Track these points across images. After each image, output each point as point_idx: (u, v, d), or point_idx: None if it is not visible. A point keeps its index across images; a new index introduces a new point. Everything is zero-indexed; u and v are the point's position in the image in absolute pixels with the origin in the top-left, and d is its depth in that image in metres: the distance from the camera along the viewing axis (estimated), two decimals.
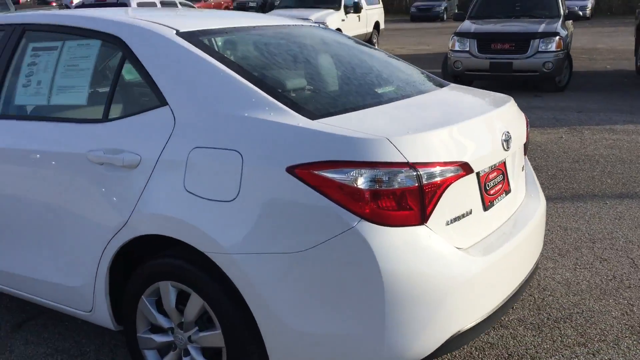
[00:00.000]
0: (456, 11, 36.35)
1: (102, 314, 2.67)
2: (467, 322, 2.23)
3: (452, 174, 2.17)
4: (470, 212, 2.34)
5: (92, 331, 3.19)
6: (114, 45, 2.68)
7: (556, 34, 10.11)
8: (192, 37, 2.61)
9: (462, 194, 2.29)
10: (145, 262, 2.50)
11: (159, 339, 2.54)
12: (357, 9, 16.49)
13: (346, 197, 2.05)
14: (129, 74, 2.68)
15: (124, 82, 2.70)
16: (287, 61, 2.77)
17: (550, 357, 2.90)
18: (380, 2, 19.50)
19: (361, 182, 2.05)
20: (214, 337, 2.35)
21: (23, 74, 2.90)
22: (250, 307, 2.21)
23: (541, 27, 10.24)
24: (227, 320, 2.29)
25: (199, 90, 2.38)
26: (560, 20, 10.77)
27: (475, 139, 2.36)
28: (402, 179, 2.07)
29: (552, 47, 10.11)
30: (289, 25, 3.19)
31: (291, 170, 2.10)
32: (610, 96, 10.03)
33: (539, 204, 2.84)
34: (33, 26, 2.97)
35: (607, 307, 3.35)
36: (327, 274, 2.09)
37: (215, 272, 2.29)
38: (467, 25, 11.05)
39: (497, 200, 2.53)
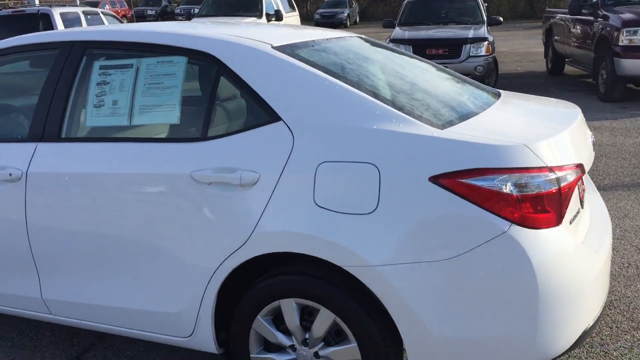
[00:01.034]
0: (357, 19, 37.31)
1: (204, 338, 2.59)
2: (591, 318, 2.37)
3: (576, 175, 2.30)
4: (578, 212, 2.49)
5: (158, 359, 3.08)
6: (205, 62, 2.62)
7: (485, 39, 10.65)
8: (289, 50, 2.60)
9: (575, 194, 2.43)
10: (260, 281, 2.46)
11: (280, 357, 2.50)
12: (278, 16, 16.56)
13: (496, 203, 2.13)
14: (224, 90, 2.62)
15: (220, 99, 2.64)
16: (376, 73, 2.81)
17: (616, 342, 3.10)
18: (296, 9, 19.68)
19: (509, 188, 2.13)
20: (349, 351, 2.36)
21: (92, 94, 2.76)
22: (393, 318, 2.23)
23: (471, 33, 10.74)
24: (364, 333, 2.30)
25: (314, 104, 2.38)
26: (485, 25, 11.35)
27: (581, 142, 2.51)
28: (544, 183, 2.17)
29: (482, 51, 10.64)
30: (342, 37, 3.22)
31: (435, 179, 2.16)
32: (536, 94, 10.65)
33: (601, 201, 3.04)
34: (96, 44, 2.84)
35: (638, 292, 3.61)
36: (476, 279, 2.15)
37: (349, 286, 2.30)
38: (400, 32, 11.38)
39: (584, 199, 2.69)
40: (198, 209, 2.46)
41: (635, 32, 9.22)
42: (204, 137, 2.51)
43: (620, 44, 9.24)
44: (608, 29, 9.58)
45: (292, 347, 2.48)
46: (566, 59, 12.28)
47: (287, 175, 2.33)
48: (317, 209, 2.28)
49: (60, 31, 2.96)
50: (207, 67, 2.63)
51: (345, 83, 2.44)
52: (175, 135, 2.62)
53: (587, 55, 10.53)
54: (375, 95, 2.42)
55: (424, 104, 2.54)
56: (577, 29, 11.13)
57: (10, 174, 2.77)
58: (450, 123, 2.37)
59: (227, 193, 2.41)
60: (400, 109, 2.36)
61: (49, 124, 2.79)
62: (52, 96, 2.81)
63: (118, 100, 2.71)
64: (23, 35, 3.06)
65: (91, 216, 2.66)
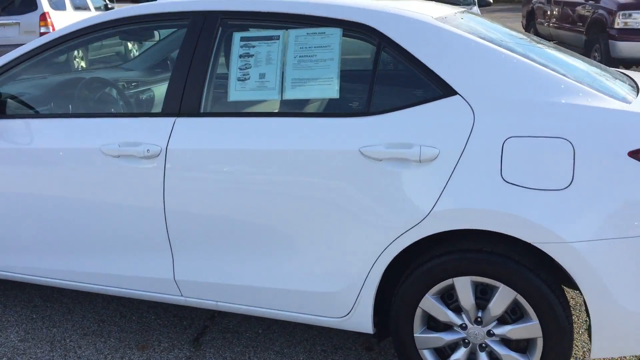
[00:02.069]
0: None
1: (361, 318, 2.54)
2: None
3: None
4: None
5: (273, 342, 3.01)
6: (361, 34, 2.53)
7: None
8: (449, 22, 2.54)
9: None
10: (427, 261, 2.41)
11: (449, 336, 2.47)
12: None
13: None
14: (386, 64, 2.55)
15: (382, 72, 2.56)
16: (527, 47, 2.76)
17: None
18: None
19: None
20: (528, 329, 2.35)
21: (235, 68, 2.63)
22: (584, 294, 2.23)
23: None
24: (548, 311, 2.30)
25: (493, 77, 2.34)
26: (476, 5, 11.44)
27: None
28: None
29: None
30: (464, 11, 3.15)
31: (635, 154, 2.15)
32: None
33: None
34: (234, 14, 2.71)
35: None
36: None
37: (534, 263, 2.29)
38: None
39: None
40: (367, 185, 2.39)
41: (630, 15, 9.45)
42: (368, 112, 2.44)
43: (616, 26, 9.45)
44: (601, 11, 9.78)
45: (462, 326, 2.45)
46: (551, 42, 12.49)
47: (470, 150, 2.28)
48: (505, 185, 2.24)
49: (189, 1, 2.81)
50: (368, 39, 2.54)
51: (522, 57, 2.40)
52: (334, 110, 2.53)
53: (578, 37, 10.75)
54: (553, 69, 2.39)
55: (591, 78, 2.52)
56: (566, 11, 11.33)
57: (148, 150, 2.63)
58: (625, 99, 2.37)
59: (401, 169, 2.35)
60: (582, 83, 2.34)
61: (187, 99, 2.66)
62: (188, 70, 2.67)
63: (266, 74, 2.60)
64: (139, 5, 2.89)
65: (238, 194, 2.55)
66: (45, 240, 2.91)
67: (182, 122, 2.65)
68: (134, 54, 3.83)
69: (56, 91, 3.35)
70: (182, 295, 2.80)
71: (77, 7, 11.66)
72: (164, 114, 2.69)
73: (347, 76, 2.59)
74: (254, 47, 2.64)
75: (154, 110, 2.80)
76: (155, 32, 3.87)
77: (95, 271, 2.88)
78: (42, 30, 10.54)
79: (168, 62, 4.04)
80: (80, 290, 2.97)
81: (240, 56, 2.64)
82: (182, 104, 2.66)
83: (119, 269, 2.84)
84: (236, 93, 2.63)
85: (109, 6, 13.00)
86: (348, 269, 2.48)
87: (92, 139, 2.74)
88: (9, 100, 3.00)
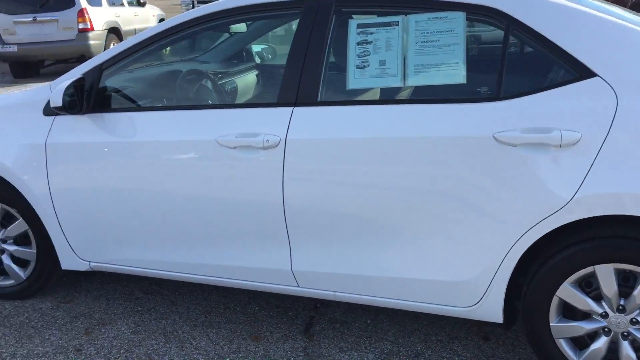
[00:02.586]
0: None
1: (491, 308, 2.51)
2: None
3: None
4: None
5: (402, 328, 2.99)
6: (489, 18, 2.48)
7: None
8: (579, 2, 2.48)
9: None
10: (568, 247, 2.36)
11: (589, 325, 2.42)
12: None
13: None
14: (515, 47, 2.50)
15: (510, 56, 2.51)
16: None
17: None
18: None
19: None
20: None
21: (353, 55, 2.60)
22: None
23: None
24: None
25: (635, 58, 2.28)
26: None
27: None
28: None
29: None
30: None
31: None
32: None
33: None
34: (349, 1, 2.67)
35: None
36: None
37: None
38: None
39: None
40: (501, 171, 2.35)
41: None
42: (498, 97, 2.39)
43: None
44: None
45: (602, 314, 2.40)
46: None
47: (615, 133, 2.23)
48: None
49: None
50: (489, 22, 2.49)
51: None
52: (459, 96, 2.48)
53: None
54: None
55: None
56: None
57: (267, 140, 2.61)
58: None
59: (539, 154, 2.31)
60: None
61: (304, 88, 2.63)
62: (304, 58, 2.64)
63: (386, 60, 2.56)
64: None
65: (360, 184, 2.52)
66: (157, 234, 2.90)
67: (300, 111, 2.62)
68: (203, 46, 3.77)
69: (159, 84, 3.34)
70: (298, 286, 2.78)
71: (112, 3, 11.67)
72: (280, 103, 2.66)
73: (474, 60, 2.54)
74: (372, 33, 2.60)
75: (250, 101, 2.77)
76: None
77: (208, 263, 2.87)
78: (80, 26, 10.57)
79: (251, 53, 4.02)
80: (193, 282, 2.96)
81: (358, 43, 2.60)
82: (299, 93, 2.63)
83: (232, 260, 2.83)
84: (355, 81, 2.59)
85: (142, 1, 13.01)
86: (480, 258, 2.45)
87: (207, 131, 2.72)
88: (114, 94, 2.99)
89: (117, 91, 3.04)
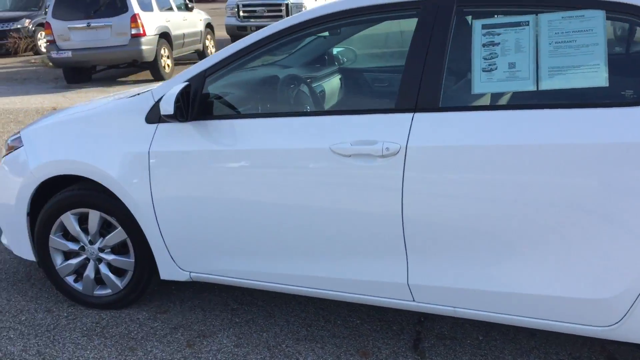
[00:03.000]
0: None
1: (633, 326, 2.34)
2: None
3: None
4: None
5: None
6: (626, 16, 2.33)
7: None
8: None
9: None
10: None
11: None
12: None
13: None
14: None
15: None
16: None
17: None
18: None
19: None
20: None
21: (478, 57, 2.47)
22: None
23: None
24: None
25: None
26: None
27: None
28: None
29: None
30: None
31: None
32: None
33: None
34: (471, 0, 2.54)
35: None
36: None
37: None
38: None
39: None
40: None
41: None
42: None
43: None
44: None
45: None
46: None
47: None
48: None
49: None
50: (635, 22, 2.34)
51: None
52: (602, 100, 2.33)
53: None
54: None
55: None
56: None
57: (387, 149, 2.49)
58: None
59: None
60: None
61: (424, 93, 2.50)
62: (424, 62, 2.52)
63: (516, 63, 2.42)
64: None
65: (488, 193, 2.38)
66: (263, 244, 2.81)
67: (422, 117, 2.50)
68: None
69: (264, 90, 3.25)
70: (413, 300, 2.65)
71: (162, 8, 11.71)
72: (398, 109, 2.54)
73: (615, 61, 2.39)
74: (499, 34, 2.47)
75: (381, 106, 2.66)
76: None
77: (316, 275, 2.77)
78: (133, 31, 10.61)
79: (331, 57, 3.91)
80: (298, 294, 2.85)
81: (484, 45, 2.47)
82: (419, 98, 2.51)
83: (342, 273, 2.72)
84: (482, 85, 2.46)
85: (189, 5, 13.04)
86: (623, 274, 2.29)
87: (319, 138, 2.62)
88: (218, 100, 2.91)
89: (221, 98, 2.96)
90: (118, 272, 3.26)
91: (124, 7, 10.70)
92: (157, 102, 2.93)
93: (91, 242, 3.21)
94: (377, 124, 2.56)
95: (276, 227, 2.75)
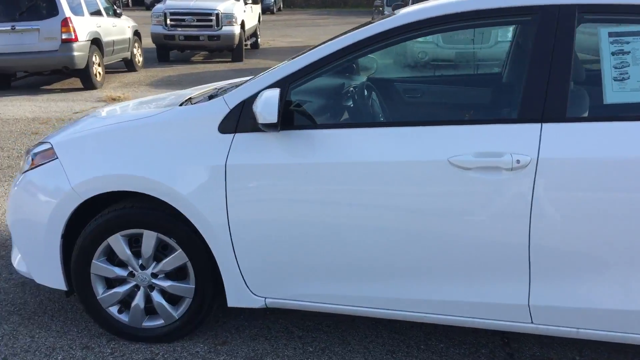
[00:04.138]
0: (281, 5, 36.82)
1: None
2: None
3: None
4: None
5: None
6: None
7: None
8: None
9: None
10: None
11: None
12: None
13: None
14: None
15: None
16: None
17: None
18: None
19: None
20: None
21: (608, 66, 2.37)
22: None
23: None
24: None
25: None
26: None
27: None
28: None
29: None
30: None
31: None
32: None
33: None
34: (595, 7, 2.44)
35: None
36: None
37: None
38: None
39: None
40: None
41: None
42: None
43: None
44: None
45: None
46: None
47: None
48: None
49: None
50: None
51: None
52: None
53: None
54: None
55: None
56: None
57: (518, 161, 2.33)
58: None
59: None
60: None
61: (550, 103, 2.38)
62: (549, 71, 2.39)
63: None
64: (458, 1, 2.57)
65: (633, 207, 2.29)
66: (359, 266, 2.57)
67: (550, 128, 2.37)
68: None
69: (358, 97, 3.00)
70: (532, 322, 2.51)
71: (92, 12, 11.04)
72: (523, 119, 2.40)
73: None
74: (628, 42, 2.39)
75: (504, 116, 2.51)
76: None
77: (412, 297, 2.57)
78: (64, 36, 9.91)
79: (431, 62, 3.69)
80: (392, 318, 2.63)
81: (613, 53, 2.38)
82: (545, 108, 2.38)
83: (448, 295, 2.53)
84: (614, 94, 2.37)
85: (118, 12, 12.40)
86: None
87: (434, 150, 2.43)
88: (301, 108, 2.64)
89: (309, 105, 2.69)
90: (171, 300, 2.89)
91: (53, 10, 9.96)
92: (233, 110, 2.63)
93: (142, 267, 2.83)
94: (501, 134, 2.40)
95: (378, 247, 2.53)
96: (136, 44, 13.09)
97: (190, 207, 2.63)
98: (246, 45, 16.22)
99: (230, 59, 14.67)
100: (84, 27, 10.34)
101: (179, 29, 13.86)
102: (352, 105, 2.95)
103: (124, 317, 2.91)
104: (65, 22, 9.95)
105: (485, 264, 2.46)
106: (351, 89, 3.07)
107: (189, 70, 12.96)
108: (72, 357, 2.81)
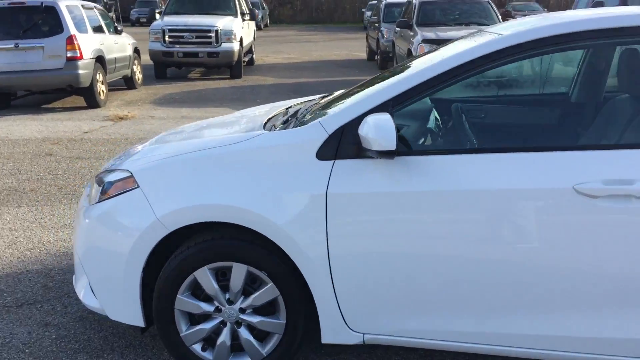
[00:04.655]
0: (268, 21, 36.84)
1: None
2: None
3: None
4: None
5: None
6: None
7: None
8: None
9: None
10: None
11: None
12: (252, 16, 15.89)
13: None
14: None
15: None
16: None
17: None
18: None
19: None
20: None
21: None
22: None
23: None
24: None
25: None
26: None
27: None
28: None
29: None
30: None
31: None
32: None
33: None
34: None
35: None
36: None
37: None
38: (426, 32, 11.24)
39: None
40: None
41: None
42: None
43: None
44: None
45: None
46: None
47: None
48: None
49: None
50: None
51: None
52: None
53: None
54: None
55: None
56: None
57: None
58: None
59: None
60: None
61: None
62: None
63: None
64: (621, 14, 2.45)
65: None
66: (476, 299, 2.44)
67: None
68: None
69: (462, 120, 2.87)
70: None
71: (94, 29, 10.86)
72: None
73: None
74: None
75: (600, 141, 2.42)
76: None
77: (534, 333, 2.44)
78: (69, 54, 9.72)
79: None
80: (509, 355, 2.50)
81: None
82: None
83: (575, 330, 2.41)
84: None
85: (119, 29, 12.22)
86: None
87: (558, 177, 2.31)
88: (408, 133, 2.52)
89: (413, 130, 2.57)
90: (258, 336, 2.73)
91: (58, 28, 9.78)
92: (332, 135, 2.50)
93: (229, 302, 2.68)
94: (631, 160, 2.29)
95: (496, 281, 2.40)
96: (136, 61, 12.91)
97: (287, 239, 2.49)
98: (244, 61, 16.12)
99: (228, 76, 14.54)
100: (88, 44, 10.16)
101: (178, 46, 13.70)
102: (462, 130, 2.83)
103: (207, 355, 2.74)
104: (70, 40, 9.77)
105: (612, 297, 2.35)
106: (459, 111, 2.96)
107: (189, 88, 12.81)
108: None
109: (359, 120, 2.47)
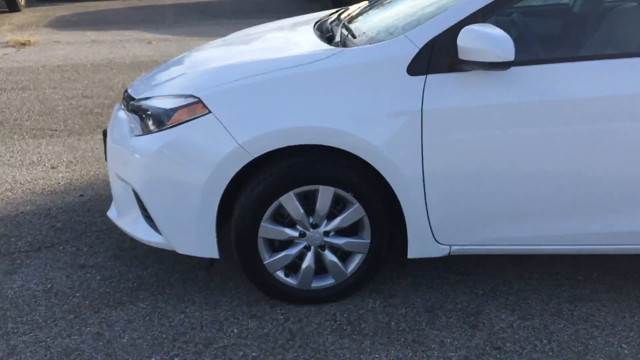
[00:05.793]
0: None
1: None
2: None
3: None
4: None
5: None
6: None
7: None
8: None
9: None
10: None
11: None
12: None
13: None
14: None
15: None
16: None
17: None
18: None
19: None
20: None
21: None
22: None
23: None
24: None
25: None
26: None
27: None
28: None
29: None
30: None
31: None
32: None
33: None
34: None
35: None
36: None
37: None
38: None
39: None
40: None
41: None
42: None
43: None
44: None
45: None
46: None
47: None
48: None
49: None
50: None
51: None
52: None
53: None
54: None
55: None
56: None
57: None
58: None
59: None
60: None
61: None
62: None
63: None
64: None
65: None
66: (566, 203, 2.56)
67: None
68: None
69: (562, 26, 2.85)
70: None
71: None
72: None
73: None
74: None
75: None
76: None
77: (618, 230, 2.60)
78: None
79: None
80: (593, 253, 2.68)
81: None
82: None
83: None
84: None
85: None
86: None
87: None
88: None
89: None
90: (341, 258, 2.71)
91: None
92: (423, 49, 2.45)
93: (313, 226, 2.62)
94: None
95: (586, 185, 2.52)
96: None
97: (383, 159, 2.46)
98: None
99: None
100: None
101: None
102: (563, 35, 2.85)
103: (291, 280, 2.69)
104: None
105: None
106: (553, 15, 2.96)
107: (81, 9, 11.87)
108: (247, 328, 2.58)
109: (451, 32, 2.42)
